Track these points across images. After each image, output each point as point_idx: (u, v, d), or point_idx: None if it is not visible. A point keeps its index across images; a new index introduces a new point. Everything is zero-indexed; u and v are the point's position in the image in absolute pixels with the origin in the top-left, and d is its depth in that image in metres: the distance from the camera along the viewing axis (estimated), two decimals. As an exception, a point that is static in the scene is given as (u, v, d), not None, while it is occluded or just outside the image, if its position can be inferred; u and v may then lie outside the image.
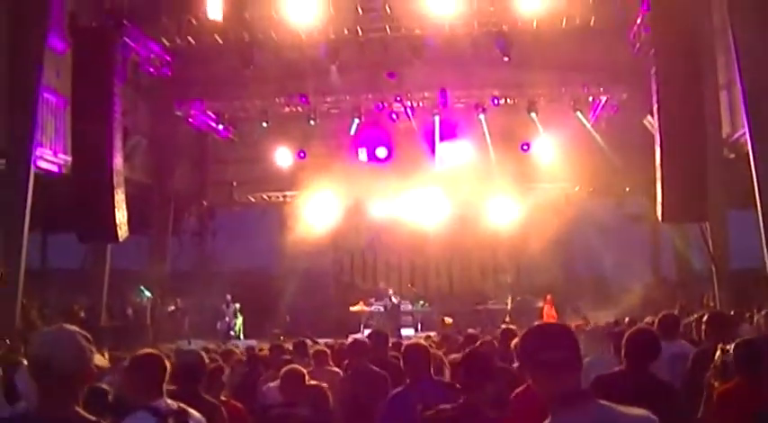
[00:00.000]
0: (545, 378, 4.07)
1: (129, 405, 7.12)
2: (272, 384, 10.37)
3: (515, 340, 8.58)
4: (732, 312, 17.54)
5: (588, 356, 8.81)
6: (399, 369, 10.68)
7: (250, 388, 11.24)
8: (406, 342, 10.63)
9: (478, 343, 10.94)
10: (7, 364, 12.30)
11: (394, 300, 34.47)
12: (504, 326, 16.60)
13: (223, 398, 8.73)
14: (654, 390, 7.10)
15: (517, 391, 7.68)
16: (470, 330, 19.25)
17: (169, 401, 6.53)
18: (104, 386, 9.04)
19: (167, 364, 6.79)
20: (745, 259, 27.92)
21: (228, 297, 34.78)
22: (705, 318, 10.70)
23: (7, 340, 21.56)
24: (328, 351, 12.14)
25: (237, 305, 35.05)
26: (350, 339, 12.14)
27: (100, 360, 5.07)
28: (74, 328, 4.71)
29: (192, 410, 6.58)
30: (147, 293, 33.48)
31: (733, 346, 7.97)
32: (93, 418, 4.58)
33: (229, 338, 32.48)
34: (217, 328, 34.21)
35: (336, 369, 11.68)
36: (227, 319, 34.52)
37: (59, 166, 28.45)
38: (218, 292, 34.93)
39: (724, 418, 7.43)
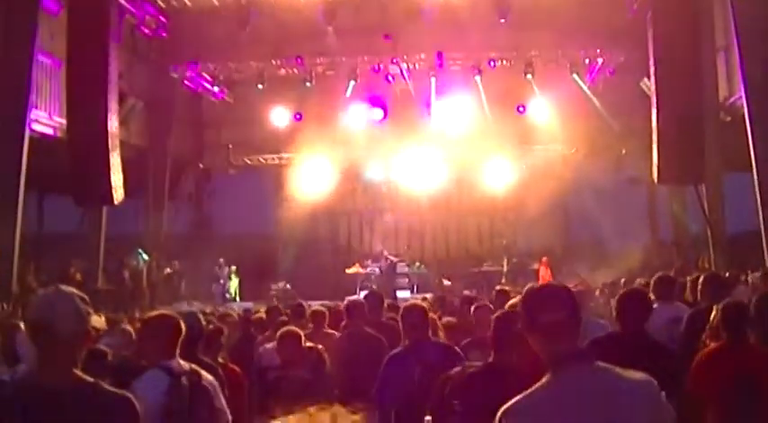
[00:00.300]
0: (544, 339, 4.12)
1: (129, 365, 7.16)
2: (268, 346, 10.39)
3: (511, 301, 8.57)
4: (727, 274, 17.55)
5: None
6: (395, 331, 10.71)
7: (247, 350, 11.25)
8: (404, 304, 10.62)
9: (474, 306, 10.91)
10: (6, 328, 12.32)
11: (390, 261, 34.54)
12: (498, 288, 16.59)
13: (221, 360, 8.76)
14: (650, 351, 7.12)
15: None
16: (466, 292, 19.30)
17: (182, 362, 6.58)
18: (103, 347, 9.08)
19: (182, 325, 6.84)
20: (741, 222, 27.99)
21: (221, 260, 34.90)
22: (701, 279, 10.69)
23: (4, 304, 21.65)
24: (326, 312, 12.13)
25: (233, 267, 35.16)
26: (346, 301, 12.09)
27: (97, 322, 5.10)
28: (71, 289, 4.71)
29: (203, 371, 6.64)
30: (145, 256, 33.52)
31: (721, 306, 7.98)
32: (92, 380, 4.59)
33: (225, 301, 32.59)
34: (212, 290, 34.32)
35: (333, 332, 11.68)
36: (221, 281, 34.63)
37: (54, 128, 28.37)
38: (214, 255, 35.02)
39: (708, 379, 7.45)
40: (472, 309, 10.52)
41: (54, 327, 4.44)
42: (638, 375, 4.06)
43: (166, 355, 6.62)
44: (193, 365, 6.69)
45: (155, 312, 7.26)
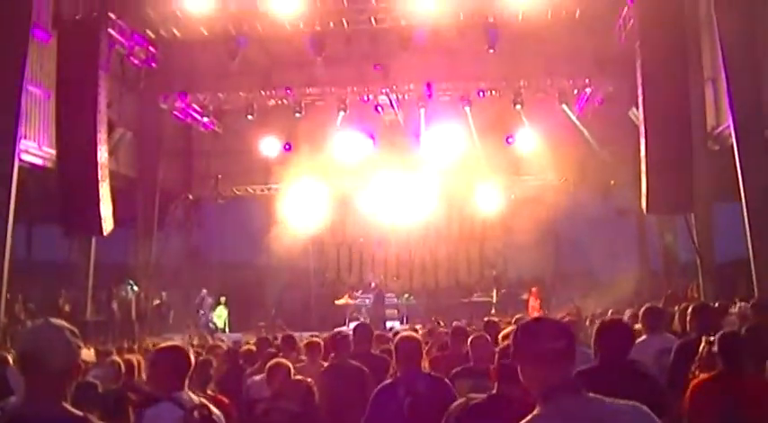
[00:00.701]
0: (537, 369, 4.10)
1: (118, 398, 7.13)
2: (257, 378, 10.37)
3: (503, 332, 8.57)
4: (717, 304, 17.57)
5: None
6: (383, 362, 10.71)
7: (235, 382, 11.21)
8: (399, 334, 10.60)
9: (471, 337, 10.86)
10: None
11: (379, 292, 34.52)
12: (487, 318, 16.58)
13: (210, 392, 8.73)
14: (634, 381, 7.10)
15: None
16: (456, 323, 19.25)
17: (191, 395, 6.56)
18: (92, 380, 9.04)
19: (191, 357, 6.83)
20: (730, 251, 28.04)
21: (204, 291, 34.80)
22: (689, 309, 10.65)
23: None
24: (321, 343, 12.10)
25: (222, 298, 35.11)
26: (332, 333, 12.07)
27: (87, 355, 5.07)
28: (61, 322, 4.69)
29: (211, 405, 6.63)
30: (135, 287, 33.45)
31: (717, 336, 7.97)
32: (81, 414, 4.56)
33: (210, 332, 32.46)
34: (198, 322, 34.27)
35: (325, 363, 11.66)
36: (202, 312, 34.48)
37: (44, 158, 28.35)
38: (204, 285, 34.95)
39: (706, 408, 7.44)
40: (469, 339, 10.45)
41: (43, 359, 4.42)
42: (628, 404, 4.05)
43: (175, 385, 6.61)
44: (203, 399, 6.68)
45: (166, 343, 7.26)
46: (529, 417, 4.03)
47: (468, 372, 9.13)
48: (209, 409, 6.48)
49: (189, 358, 6.79)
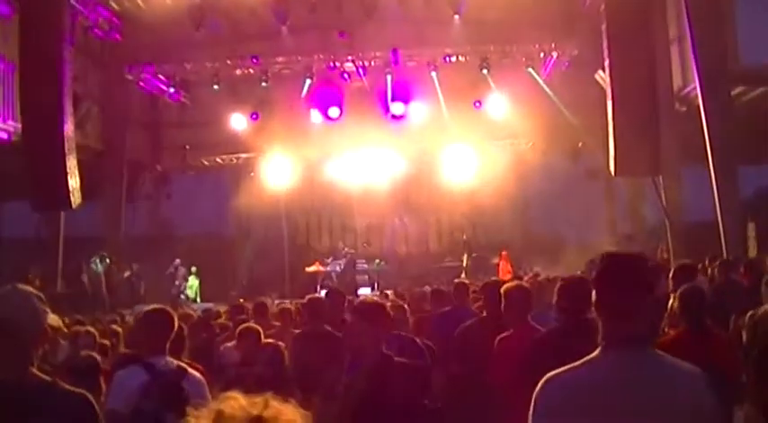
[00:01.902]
0: (607, 318, 4.13)
1: (89, 364, 7.14)
2: (229, 344, 10.40)
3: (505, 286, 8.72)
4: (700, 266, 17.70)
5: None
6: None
7: (207, 350, 11.21)
8: (357, 300, 10.61)
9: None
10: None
11: (350, 258, 34.57)
12: (457, 280, 16.64)
13: (184, 360, 8.74)
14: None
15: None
16: (426, 288, 19.29)
17: (169, 360, 6.55)
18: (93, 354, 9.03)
19: (175, 321, 6.84)
20: (698, 213, 28.15)
21: (177, 261, 34.72)
22: (673, 269, 10.66)
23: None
24: (293, 309, 12.11)
25: (193, 268, 35.06)
26: (306, 299, 12.03)
27: (54, 320, 5.05)
28: (26, 287, 4.69)
29: (192, 370, 6.61)
30: (107, 260, 33.33)
31: (679, 293, 8.00)
32: (49, 379, 4.57)
33: (183, 302, 32.42)
34: (171, 292, 34.20)
35: (297, 330, 11.67)
36: (176, 282, 34.43)
37: (9, 133, 28.21)
38: (174, 256, 34.89)
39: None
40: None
41: (7, 323, 4.42)
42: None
43: (155, 350, 6.64)
44: (181, 364, 6.68)
45: (150, 306, 7.24)
46: (581, 361, 4.10)
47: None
48: (182, 375, 6.48)
49: (172, 321, 6.83)
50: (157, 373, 6.36)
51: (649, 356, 4.07)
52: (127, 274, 34.81)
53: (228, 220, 35.78)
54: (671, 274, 10.46)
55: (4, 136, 28.06)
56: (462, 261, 35.05)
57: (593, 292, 4.23)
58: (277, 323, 12.04)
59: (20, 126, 27.44)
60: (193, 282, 35.13)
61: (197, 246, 35.98)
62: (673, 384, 3.99)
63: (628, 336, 4.05)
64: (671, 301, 8.29)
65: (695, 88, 25.10)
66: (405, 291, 20.40)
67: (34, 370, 4.55)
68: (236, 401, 2.72)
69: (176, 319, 6.97)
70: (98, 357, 8.74)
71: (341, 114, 35.03)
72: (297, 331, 11.28)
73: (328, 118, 35.14)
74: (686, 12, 24.61)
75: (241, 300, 26.68)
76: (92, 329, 12.47)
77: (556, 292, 7.82)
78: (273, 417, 2.69)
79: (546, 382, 4.06)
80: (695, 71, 24.63)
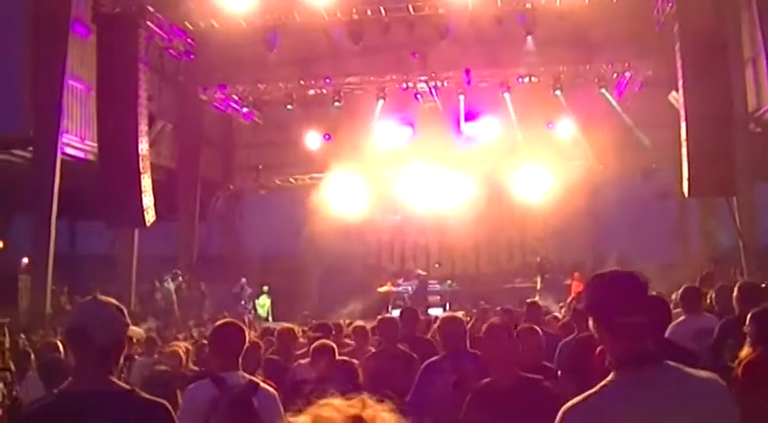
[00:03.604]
0: (617, 339, 4.06)
1: (167, 378, 7.19)
2: (303, 361, 10.44)
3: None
4: (764, 285, 17.49)
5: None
6: (429, 345, 10.75)
7: (283, 366, 11.25)
8: (441, 316, 10.61)
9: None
10: (43, 350, 12.41)
11: (422, 279, 34.52)
12: (529, 300, 16.55)
13: (258, 377, 8.78)
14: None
15: None
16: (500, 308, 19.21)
17: (241, 374, 6.59)
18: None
19: (246, 336, 6.88)
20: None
21: (243, 280, 34.78)
22: (736, 287, 10.53)
23: (40, 329, 21.77)
24: (368, 328, 12.15)
25: (265, 288, 35.12)
26: (378, 319, 12.06)
27: (135, 332, 5.15)
28: (107, 298, 4.78)
29: (264, 385, 6.63)
30: (172, 285, 33.53)
31: (750, 315, 7.92)
32: (128, 387, 4.65)
33: (247, 321, 32.50)
34: (238, 311, 34.33)
35: (372, 348, 11.72)
36: (242, 302, 34.52)
37: (86, 152, 28.60)
38: (246, 275, 35.02)
39: (751, 388, 7.40)
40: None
41: (87, 333, 4.51)
42: (707, 375, 4.04)
43: (227, 364, 6.66)
44: (253, 378, 6.71)
45: (221, 321, 7.30)
46: (604, 382, 4.02)
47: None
48: (253, 391, 6.50)
49: (243, 335, 6.85)
50: (227, 388, 6.39)
51: (665, 371, 4.00)
52: (203, 289, 35.08)
53: (300, 240, 35.83)
54: (735, 294, 10.32)
55: (81, 155, 28.44)
56: (535, 282, 34.85)
57: (594, 313, 4.19)
58: (351, 342, 12.07)
59: (96, 145, 27.82)
60: (265, 301, 35.20)
61: (269, 265, 36.14)
62: (694, 396, 3.94)
63: (640, 354, 4.01)
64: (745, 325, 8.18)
65: (770, 109, 24.88)
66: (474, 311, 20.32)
67: (114, 379, 4.63)
68: (333, 404, 2.76)
69: (247, 334, 7.00)
70: (174, 372, 8.84)
71: (413, 134, 35.12)
72: (372, 350, 11.34)
73: (401, 138, 35.24)
74: (761, 33, 24.45)
75: (312, 321, 26.84)
76: (173, 345, 12.63)
77: None
78: (371, 417, 2.73)
79: (566, 411, 3.97)
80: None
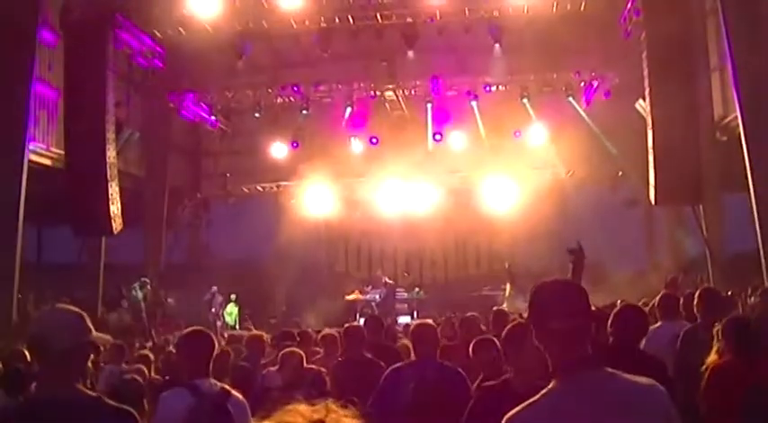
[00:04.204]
0: (553, 345, 4.09)
1: (134, 386, 7.15)
2: (272, 369, 10.45)
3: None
4: (729, 293, 17.60)
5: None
6: (393, 352, 10.78)
7: (250, 373, 11.26)
8: (416, 322, 10.65)
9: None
10: (7, 358, 12.35)
11: (390, 287, 34.51)
12: (495, 308, 16.58)
13: (226, 385, 8.78)
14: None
15: None
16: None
17: (213, 382, 6.60)
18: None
19: (215, 343, 6.90)
20: (739, 242, 27.98)
21: (214, 288, 34.67)
22: (696, 295, 10.63)
23: (6, 338, 21.65)
24: (337, 336, 12.17)
25: (233, 296, 35.03)
26: (344, 327, 12.11)
27: (100, 338, 5.12)
28: (68, 306, 4.78)
29: (235, 393, 6.64)
30: (140, 293, 33.38)
31: (722, 323, 8.01)
32: (94, 395, 4.64)
33: (220, 330, 32.44)
34: (209, 319, 34.25)
35: (320, 355, 11.79)
36: (212, 309, 34.41)
37: (52, 159, 28.48)
38: (213, 283, 34.94)
39: (717, 395, 7.47)
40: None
41: (49, 340, 4.51)
42: (645, 380, 4.05)
43: (198, 371, 6.69)
44: (225, 386, 6.72)
45: (190, 329, 7.29)
46: (544, 390, 4.03)
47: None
48: (226, 397, 6.52)
49: (212, 343, 6.88)
50: (202, 394, 6.40)
51: (609, 377, 4.04)
52: (169, 301, 34.98)
53: (268, 248, 35.80)
54: (696, 301, 10.41)
55: (48, 162, 28.32)
56: (503, 289, 34.89)
57: (530, 320, 4.25)
58: (320, 350, 12.09)
59: (63, 153, 27.71)
60: (233, 309, 35.12)
61: (237, 273, 36.03)
62: (640, 401, 3.98)
63: (584, 360, 4.04)
64: (715, 330, 8.26)
65: (736, 118, 24.97)
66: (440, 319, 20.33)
67: (80, 387, 4.62)
68: (298, 409, 2.78)
69: (216, 342, 7.02)
70: (142, 381, 8.82)
71: (381, 143, 35.22)
72: (339, 359, 11.38)
73: (368, 146, 35.33)
74: (727, 41, 24.52)
75: (282, 328, 26.77)
76: (139, 354, 12.63)
77: (612, 317, 7.96)
78: (335, 421, 2.75)
79: (510, 420, 3.99)
80: (736, 100, 24.51)
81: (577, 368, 4.01)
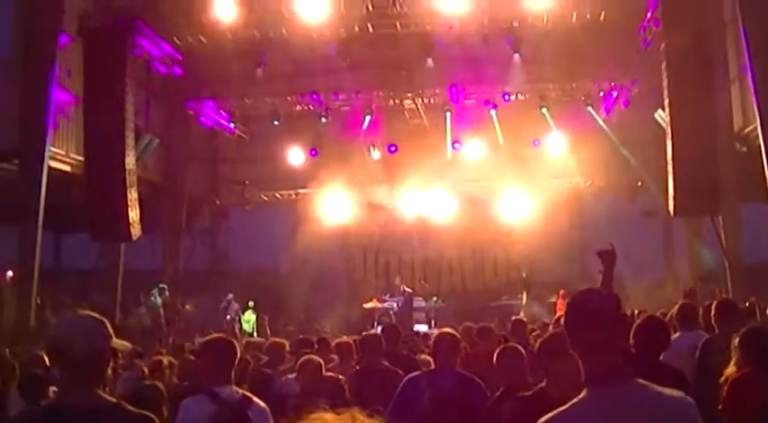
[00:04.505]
0: (586, 355, 4.14)
1: (155, 392, 7.14)
2: (290, 376, 10.43)
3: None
4: (747, 304, 17.53)
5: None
6: (411, 362, 10.76)
7: (268, 380, 11.25)
8: (439, 331, 10.65)
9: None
10: (26, 364, 12.38)
11: (407, 295, 34.46)
12: (514, 317, 16.58)
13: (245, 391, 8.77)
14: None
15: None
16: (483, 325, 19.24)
17: (234, 388, 6.60)
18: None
19: (237, 350, 6.90)
20: (758, 253, 27.92)
21: (230, 296, 34.65)
22: (713, 306, 10.61)
23: (24, 342, 21.71)
24: (352, 343, 12.15)
25: (250, 303, 34.99)
26: (361, 335, 12.11)
27: (119, 344, 5.13)
28: (88, 312, 4.80)
29: (256, 400, 6.63)
30: (159, 299, 33.41)
31: (740, 334, 7.97)
32: (114, 401, 4.65)
33: (235, 336, 32.39)
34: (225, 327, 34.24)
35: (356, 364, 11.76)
36: (228, 317, 34.39)
37: (72, 165, 28.54)
38: (231, 290, 34.94)
39: (738, 407, 7.43)
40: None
41: (70, 347, 4.52)
42: (676, 393, 4.08)
43: (220, 378, 6.69)
44: (246, 393, 6.72)
45: (212, 335, 7.29)
46: (575, 400, 4.07)
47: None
48: (247, 405, 6.51)
49: (235, 350, 6.87)
50: (223, 402, 6.40)
51: (637, 388, 4.06)
52: (188, 307, 35.02)
53: (286, 255, 35.80)
54: (713, 312, 10.38)
55: (67, 168, 28.39)
56: (520, 298, 34.86)
57: (569, 331, 4.29)
58: (335, 357, 12.07)
59: (82, 159, 27.78)
60: (250, 316, 35.05)
61: (254, 280, 36.03)
62: (666, 414, 4.00)
63: (613, 370, 4.07)
64: (733, 341, 8.22)
65: (756, 128, 24.89)
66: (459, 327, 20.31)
67: (100, 392, 4.64)
68: (324, 417, 2.78)
69: (238, 349, 7.02)
70: (162, 387, 8.82)
71: (400, 151, 35.22)
72: (357, 367, 11.36)
73: (387, 154, 35.34)
74: (747, 52, 24.44)
75: (300, 336, 26.73)
76: (156, 359, 12.63)
77: (635, 330, 7.96)
78: None
79: None
80: (756, 111, 24.42)
81: (608, 379, 4.04)
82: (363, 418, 2.84)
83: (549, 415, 4.06)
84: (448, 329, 10.03)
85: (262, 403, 6.66)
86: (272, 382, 10.74)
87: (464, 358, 11.14)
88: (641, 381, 4.08)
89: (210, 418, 6.30)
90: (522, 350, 8.90)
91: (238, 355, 6.93)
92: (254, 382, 9.86)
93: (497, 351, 8.74)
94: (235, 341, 7.11)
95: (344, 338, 13.04)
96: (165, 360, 12.84)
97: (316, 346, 13.50)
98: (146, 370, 12.17)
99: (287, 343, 14.14)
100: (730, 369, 7.94)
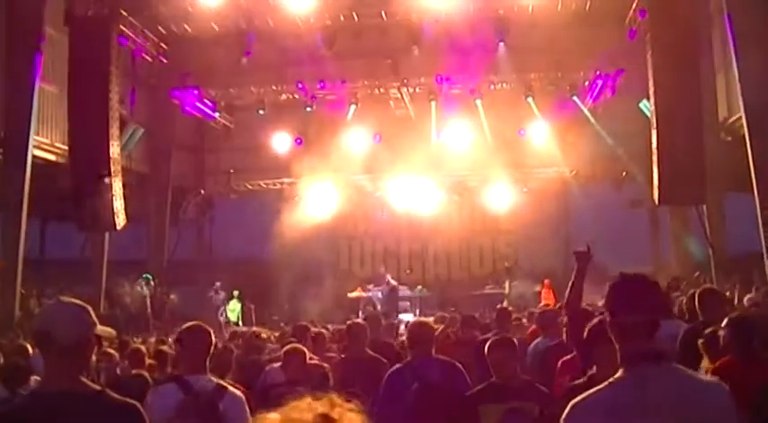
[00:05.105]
0: (621, 338, 4.28)
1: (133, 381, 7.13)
2: (275, 365, 10.43)
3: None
4: (728, 294, 17.58)
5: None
6: (393, 350, 10.78)
7: (254, 370, 11.24)
8: (411, 321, 10.68)
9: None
10: (8, 351, 12.38)
11: (392, 285, 34.46)
12: (499, 306, 16.60)
13: (228, 381, 8.74)
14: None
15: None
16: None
17: (209, 378, 6.55)
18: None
19: (212, 338, 6.88)
20: (742, 242, 27.97)
21: (217, 284, 34.65)
22: (697, 294, 10.60)
23: (9, 332, 21.70)
24: (326, 334, 12.16)
25: (236, 292, 34.99)
26: (347, 324, 12.11)
27: (104, 331, 5.11)
28: (72, 299, 4.79)
29: (232, 389, 6.58)
30: (145, 289, 33.38)
31: (724, 323, 7.98)
32: (98, 388, 4.65)
33: (224, 326, 32.41)
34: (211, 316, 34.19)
35: (334, 355, 11.77)
36: (215, 305, 34.36)
37: (56, 154, 28.50)
38: (217, 280, 34.93)
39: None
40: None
41: (54, 335, 4.53)
42: (710, 379, 4.16)
43: (195, 367, 6.64)
44: (221, 382, 6.68)
45: (189, 323, 7.23)
46: (610, 380, 4.18)
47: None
48: (220, 394, 6.45)
49: (209, 338, 6.80)
50: (192, 391, 6.35)
51: (670, 371, 4.17)
52: (172, 296, 34.99)
53: (271, 245, 35.74)
54: (697, 300, 10.38)
55: (52, 157, 28.34)
56: (504, 288, 34.87)
57: (608, 314, 4.41)
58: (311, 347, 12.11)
59: (67, 148, 27.73)
60: (235, 306, 35.08)
61: (240, 270, 36.02)
62: (698, 398, 4.09)
63: (647, 353, 4.17)
64: (716, 329, 8.22)
65: (741, 118, 24.97)
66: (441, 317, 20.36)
67: (84, 379, 4.64)
68: (303, 403, 2.79)
69: (214, 337, 6.96)
70: (147, 376, 8.82)
71: (385, 140, 35.21)
72: (332, 355, 11.40)
73: (372, 143, 35.31)
74: (732, 42, 24.51)
75: (282, 324, 26.74)
76: (142, 349, 12.62)
77: None
78: (339, 415, 2.78)
79: (573, 407, 4.15)
80: (741, 101, 24.49)
81: (641, 361, 4.15)
82: (342, 403, 2.86)
83: (583, 395, 4.18)
84: (422, 319, 10.07)
85: (238, 392, 6.59)
86: (258, 371, 10.74)
87: (448, 346, 11.19)
88: (678, 365, 4.23)
89: (178, 407, 6.25)
90: (515, 342, 8.89)
91: (213, 342, 6.87)
92: (239, 372, 9.86)
93: (490, 341, 8.70)
94: (210, 330, 7.03)
95: (320, 329, 13.08)
96: (143, 348, 12.87)
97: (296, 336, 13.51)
98: (131, 359, 12.13)
99: (268, 332, 14.16)
100: (714, 357, 7.95)
